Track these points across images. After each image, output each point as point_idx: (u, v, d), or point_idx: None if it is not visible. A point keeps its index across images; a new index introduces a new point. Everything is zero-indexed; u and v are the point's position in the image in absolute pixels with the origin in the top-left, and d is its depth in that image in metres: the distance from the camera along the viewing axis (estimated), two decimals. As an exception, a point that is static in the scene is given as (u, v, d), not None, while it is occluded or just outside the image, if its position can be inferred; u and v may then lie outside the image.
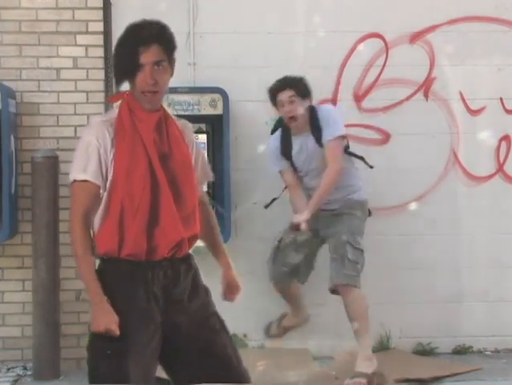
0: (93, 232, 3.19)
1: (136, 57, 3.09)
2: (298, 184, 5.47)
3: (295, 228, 5.25)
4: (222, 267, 3.51)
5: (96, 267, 3.19)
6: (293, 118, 5.30)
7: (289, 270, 5.48)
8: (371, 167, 5.56)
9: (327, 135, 5.24)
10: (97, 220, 3.16)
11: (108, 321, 3.08)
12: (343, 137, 5.36)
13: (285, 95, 5.28)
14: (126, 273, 3.16)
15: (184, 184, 3.20)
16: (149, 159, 3.14)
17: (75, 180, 3.14)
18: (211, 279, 6.12)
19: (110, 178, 3.12)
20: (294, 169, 5.44)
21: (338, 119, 5.33)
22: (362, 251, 5.29)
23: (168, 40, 3.18)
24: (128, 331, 3.10)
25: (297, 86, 5.30)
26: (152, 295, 3.17)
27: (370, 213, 5.50)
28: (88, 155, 3.12)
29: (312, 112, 5.33)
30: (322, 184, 5.25)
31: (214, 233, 3.49)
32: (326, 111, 5.36)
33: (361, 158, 5.54)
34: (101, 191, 3.14)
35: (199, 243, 3.33)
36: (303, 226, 5.21)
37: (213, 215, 3.50)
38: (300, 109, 5.28)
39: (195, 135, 5.93)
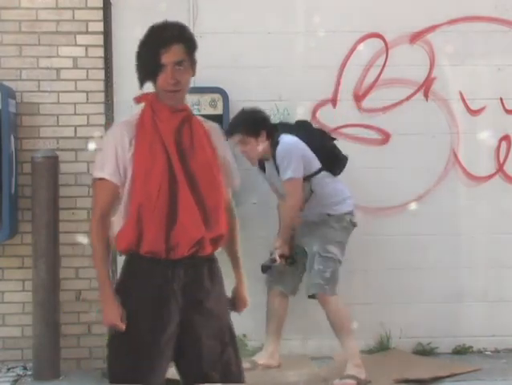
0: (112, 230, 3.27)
1: (158, 57, 3.18)
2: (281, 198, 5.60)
3: (272, 261, 5.45)
4: (235, 280, 3.55)
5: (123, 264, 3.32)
6: (251, 159, 5.45)
7: (278, 276, 5.53)
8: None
9: (281, 176, 5.36)
10: (118, 218, 3.23)
11: (113, 316, 3.18)
12: (296, 178, 5.34)
13: (235, 139, 5.34)
14: (145, 270, 3.22)
15: (204, 184, 3.23)
16: (168, 158, 3.19)
17: (94, 179, 3.26)
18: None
19: (129, 177, 3.19)
20: None
21: (287, 162, 5.32)
22: (332, 259, 5.36)
23: (188, 40, 3.26)
24: (140, 331, 3.18)
25: (240, 130, 5.36)
26: (171, 293, 3.21)
27: (354, 224, 5.49)
28: (106, 154, 3.22)
29: (274, 144, 5.39)
30: (282, 219, 5.53)
31: (233, 244, 3.50)
32: (280, 152, 5.36)
33: (342, 163, 5.55)
34: (120, 190, 3.22)
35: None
36: (278, 260, 5.42)
37: (235, 225, 3.48)
38: (253, 149, 5.39)
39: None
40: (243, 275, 3.53)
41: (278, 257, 5.43)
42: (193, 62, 3.28)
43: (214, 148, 3.32)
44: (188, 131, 3.27)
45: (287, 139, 5.40)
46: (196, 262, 3.24)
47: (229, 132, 5.26)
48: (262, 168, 5.59)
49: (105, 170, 3.21)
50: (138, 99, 3.34)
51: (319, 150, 5.43)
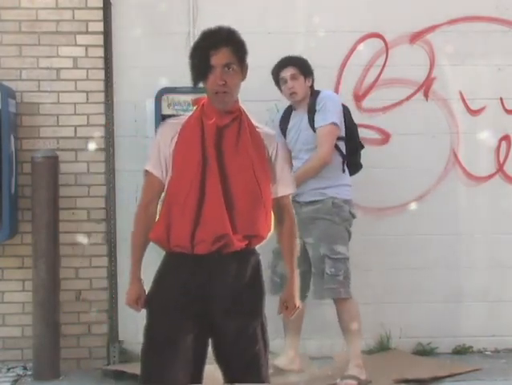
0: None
1: (208, 59, 3.34)
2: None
3: None
4: (287, 281, 3.58)
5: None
6: (294, 94, 5.42)
7: (280, 281, 5.47)
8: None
9: (318, 122, 5.33)
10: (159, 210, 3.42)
11: (130, 298, 3.43)
12: (337, 126, 5.34)
13: (287, 73, 5.41)
14: (173, 264, 3.38)
15: (238, 186, 3.33)
16: (205, 157, 3.32)
17: (144, 170, 3.45)
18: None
19: (169, 172, 3.36)
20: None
21: (333, 107, 5.36)
22: (343, 259, 5.31)
23: (237, 44, 3.43)
24: (160, 324, 3.35)
25: (299, 64, 5.45)
26: (194, 287, 3.30)
27: (354, 215, 5.45)
28: (152, 149, 3.45)
29: (313, 94, 5.44)
30: (305, 164, 5.33)
31: (286, 242, 3.55)
32: (324, 97, 5.40)
33: (357, 168, 5.55)
34: (164, 183, 3.39)
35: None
36: None
37: (290, 223, 3.54)
38: (302, 86, 5.42)
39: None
40: (295, 276, 3.55)
41: None
42: (243, 67, 3.47)
43: (262, 153, 3.41)
44: (234, 133, 3.38)
45: (330, 92, 5.61)
46: (222, 258, 3.31)
47: (284, 64, 5.41)
48: (281, 128, 5.52)
49: (149, 163, 3.42)
50: (194, 102, 3.52)
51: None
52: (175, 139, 3.37)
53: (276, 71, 5.49)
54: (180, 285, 3.32)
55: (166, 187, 3.38)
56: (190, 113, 3.51)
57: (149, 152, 3.49)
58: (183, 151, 3.35)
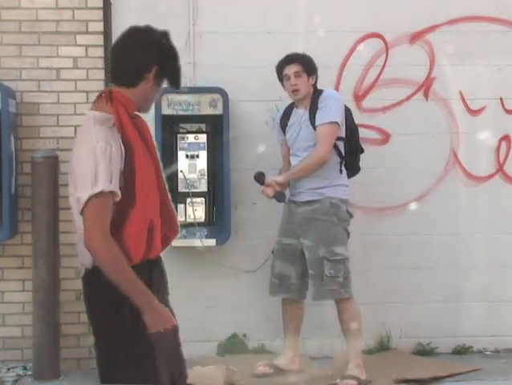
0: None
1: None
2: (288, 161, 5.57)
3: (261, 178, 5.35)
4: None
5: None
6: (297, 91, 5.42)
7: (279, 282, 5.48)
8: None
9: (319, 119, 5.32)
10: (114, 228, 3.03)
11: (170, 317, 3.06)
12: (338, 125, 5.34)
13: (291, 70, 5.42)
14: (146, 273, 3.13)
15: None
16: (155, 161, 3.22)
17: (101, 192, 2.95)
18: (207, 278, 6.13)
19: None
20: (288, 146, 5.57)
21: (335, 106, 5.36)
22: (342, 260, 5.30)
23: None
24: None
25: (304, 61, 5.45)
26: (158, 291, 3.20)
27: (351, 215, 5.45)
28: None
29: (316, 92, 5.45)
30: (303, 161, 5.36)
31: None
32: (327, 96, 5.41)
33: (355, 171, 5.55)
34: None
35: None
36: (268, 181, 5.32)
37: None
38: (305, 83, 5.42)
39: (195, 135, 5.99)
40: None
41: (270, 181, 5.31)
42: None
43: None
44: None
45: (334, 91, 5.67)
46: (160, 261, 3.28)
47: (288, 61, 5.43)
48: (282, 125, 5.56)
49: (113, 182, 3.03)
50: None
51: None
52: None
53: (280, 68, 5.49)
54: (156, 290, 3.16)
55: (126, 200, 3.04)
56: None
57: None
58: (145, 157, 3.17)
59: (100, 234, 2.96)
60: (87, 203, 2.96)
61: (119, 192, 2.99)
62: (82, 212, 3.00)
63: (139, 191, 3.04)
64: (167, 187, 3.30)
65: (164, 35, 3.20)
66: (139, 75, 3.14)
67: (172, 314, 3.14)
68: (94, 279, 3.07)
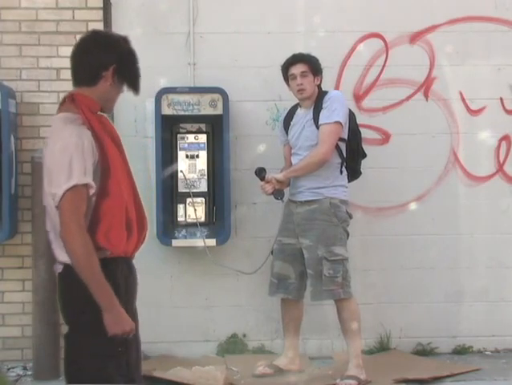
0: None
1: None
2: (290, 162, 5.56)
3: (262, 173, 5.37)
4: None
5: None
6: (302, 90, 5.41)
7: (277, 282, 5.48)
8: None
9: (323, 118, 5.32)
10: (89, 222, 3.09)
11: (131, 322, 3.10)
12: (341, 125, 5.34)
13: (297, 69, 5.40)
14: (119, 269, 3.18)
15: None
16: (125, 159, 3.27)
17: (75, 185, 3.02)
18: (207, 278, 6.12)
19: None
20: (290, 146, 5.57)
21: (339, 106, 5.36)
22: (341, 260, 5.29)
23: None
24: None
25: (310, 62, 5.45)
26: (131, 289, 3.25)
27: (350, 216, 5.44)
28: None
29: (321, 93, 5.45)
30: (304, 159, 5.35)
31: None
32: (332, 96, 5.41)
33: (356, 175, 5.56)
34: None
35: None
36: (268, 178, 5.34)
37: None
38: (310, 83, 5.41)
39: (195, 135, 5.99)
40: None
41: (270, 178, 5.34)
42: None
43: None
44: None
45: (340, 92, 5.66)
46: (133, 258, 3.30)
47: (294, 61, 5.42)
48: (285, 125, 5.57)
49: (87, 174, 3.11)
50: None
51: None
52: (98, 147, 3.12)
53: (286, 67, 5.48)
54: (127, 287, 3.22)
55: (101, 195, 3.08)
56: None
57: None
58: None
59: (77, 226, 3.03)
60: (62, 197, 3.02)
61: (93, 184, 3.04)
62: (58, 206, 3.07)
63: (112, 185, 3.09)
64: (136, 185, 3.31)
65: (124, 39, 3.29)
66: (97, 73, 3.21)
67: (136, 313, 3.22)
68: (73, 274, 3.08)
